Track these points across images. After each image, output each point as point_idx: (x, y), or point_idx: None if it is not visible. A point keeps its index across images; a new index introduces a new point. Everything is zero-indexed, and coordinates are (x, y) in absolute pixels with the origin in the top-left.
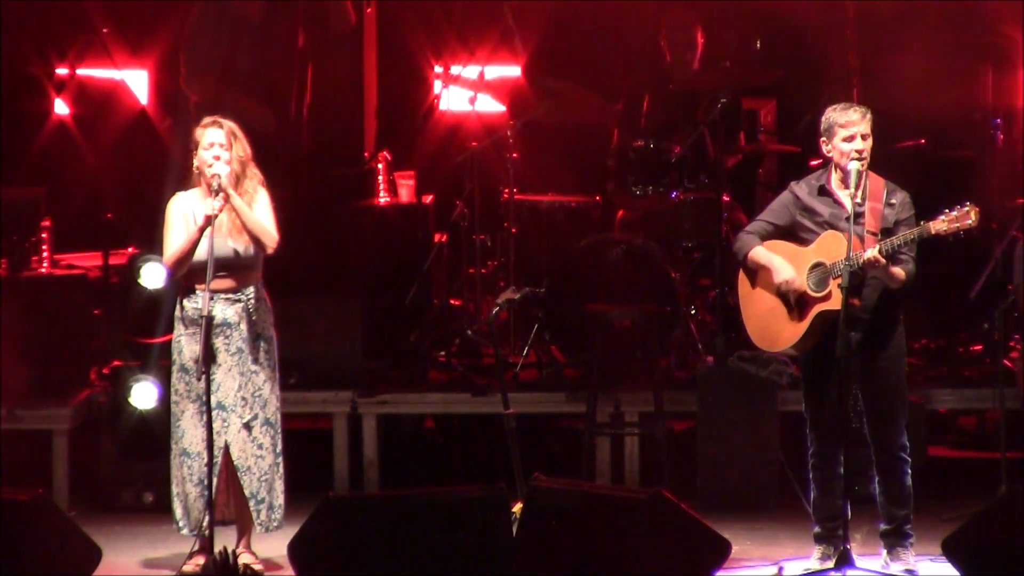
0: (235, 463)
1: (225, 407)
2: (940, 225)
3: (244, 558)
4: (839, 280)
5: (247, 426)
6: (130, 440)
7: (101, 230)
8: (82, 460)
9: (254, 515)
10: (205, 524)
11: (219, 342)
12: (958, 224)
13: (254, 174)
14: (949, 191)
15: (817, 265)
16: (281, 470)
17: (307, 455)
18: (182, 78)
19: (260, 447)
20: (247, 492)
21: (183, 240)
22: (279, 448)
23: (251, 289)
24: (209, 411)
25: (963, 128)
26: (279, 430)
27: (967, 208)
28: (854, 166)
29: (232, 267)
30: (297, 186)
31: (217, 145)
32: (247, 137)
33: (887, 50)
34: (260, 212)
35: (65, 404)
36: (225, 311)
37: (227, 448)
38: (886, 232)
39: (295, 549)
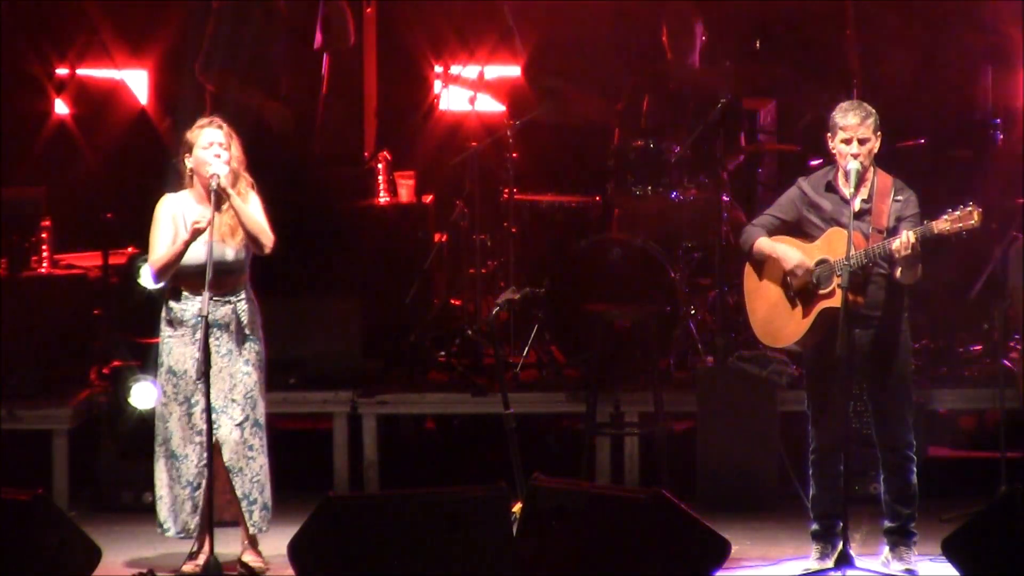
0: (227, 464)
1: (216, 408)
2: (943, 225)
3: (246, 556)
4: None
5: (239, 427)
6: (130, 440)
7: (101, 230)
8: (82, 460)
9: (246, 515)
10: (193, 526)
11: (209, 344)
12: (961, 224)
13: (245, 177)
14: (949, 191)
15: (822, 262)
16: (267, 471)
17: (307, 455)
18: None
19: (251, 448)
20: (239, 493)
21: (171, 247)
22: (265, 449)
23: (241, 292)
24: (208, 412)
25: (963, 128)
26: (265, 432)
27: (970, 208)
28: (853, 166)
29: (222, 271)
30: (305, 185)
31: (217, 144)
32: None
33: (887, 50)
34: (254, 213)
35: (65, 404)
36: (214, 313)
37: (219, 449)
38: (892, 230)
39: (295, 549)
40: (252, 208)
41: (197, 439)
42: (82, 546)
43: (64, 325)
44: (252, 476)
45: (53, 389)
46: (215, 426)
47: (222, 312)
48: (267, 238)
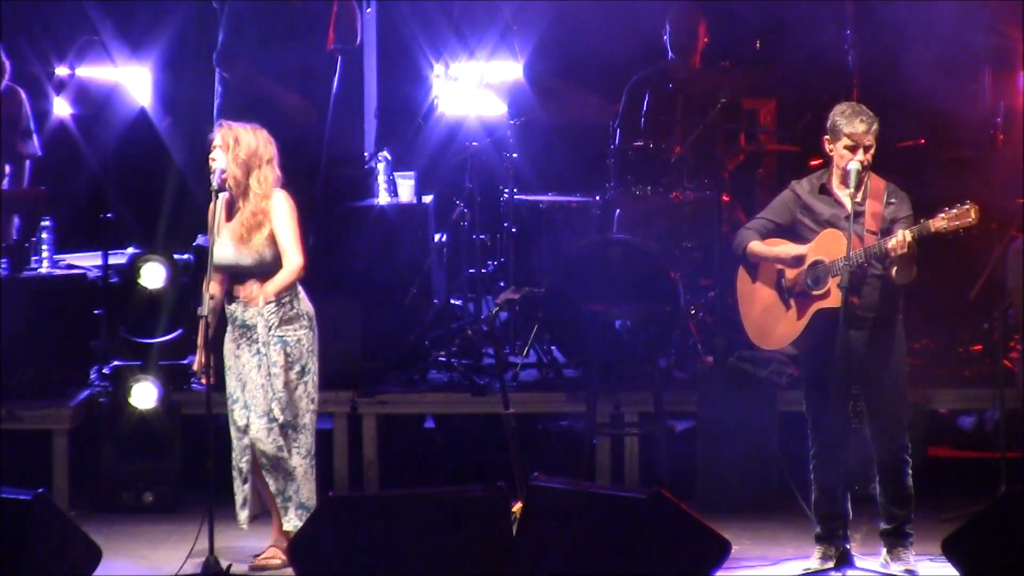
0: (260, 461)
1: (248, 406)
2: (940, 223)
3: (266, 555)
4: (838, 279)
5: (266, 427)
6: (130, 440)
7: (101, 230)
8: (82, 460)
9: (281, 512)
10: (243, 518)
11: (244, 343)
12: (958, 222)
13: (266, 178)
14: (949, 191)
15: (816, 263)
16: (309, 471)
17: None
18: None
19: (280, 448)
20: (273, 489)
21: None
22: (304, 450)
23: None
24: (208, 410)
25: (963, 128)
26: (306, 433)
27: (967, 206)
28: (853, 166)
29: (242, 275)
30: (309, 186)
31: (217, 148)
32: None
33: (887, 50)
34: (278, 226)
35: (65, 404)
36: (244, 313)
37: (254, 445)
38: (885, 232)
39: (295, 549)
40: (276, 217)
41: (235, 433)
42: (82, 546)
43: (64, 325)
44: (284, 475)
45: (53, 389)
46: (247, 422)
47: (249, 314)
48: (288, 261)
